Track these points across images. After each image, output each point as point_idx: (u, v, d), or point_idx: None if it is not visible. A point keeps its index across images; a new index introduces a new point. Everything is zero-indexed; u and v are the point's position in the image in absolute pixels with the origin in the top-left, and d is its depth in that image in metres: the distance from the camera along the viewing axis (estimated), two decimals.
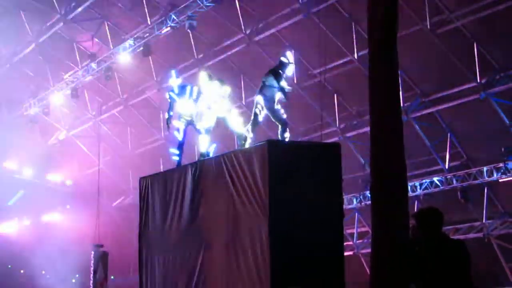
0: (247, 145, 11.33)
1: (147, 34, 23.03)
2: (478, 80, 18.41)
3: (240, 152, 10.49)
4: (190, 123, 12.19)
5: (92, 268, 21.95)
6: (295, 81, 20.99)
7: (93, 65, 25.58)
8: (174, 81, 12.47)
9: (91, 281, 21.95)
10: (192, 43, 23.54)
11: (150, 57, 24.42)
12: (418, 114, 20.18)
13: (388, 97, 7.84)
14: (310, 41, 18.83)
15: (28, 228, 31.29)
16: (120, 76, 26.87)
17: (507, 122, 18.62)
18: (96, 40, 25.85)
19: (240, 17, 21.81)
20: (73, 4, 24.25)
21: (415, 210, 13.75)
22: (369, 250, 9.41)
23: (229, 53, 23.03)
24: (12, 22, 25.65)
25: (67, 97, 27.35)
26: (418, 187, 20.53)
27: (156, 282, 11.92)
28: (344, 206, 12.28)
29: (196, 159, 12.20)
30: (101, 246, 22.51)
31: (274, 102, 11.26)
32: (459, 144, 20.15)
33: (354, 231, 23.23)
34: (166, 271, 11.73)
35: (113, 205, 31.32)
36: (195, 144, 12.99)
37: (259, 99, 11.39)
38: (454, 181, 19.85)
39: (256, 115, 11.49)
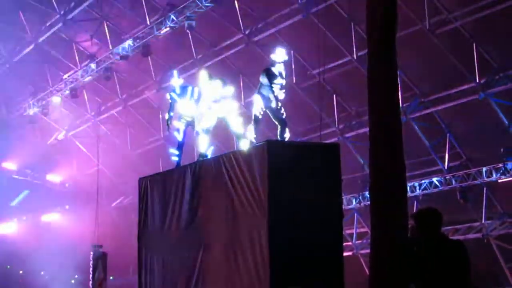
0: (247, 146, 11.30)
1: (146, 34, 23.03)
2: (477, 80, 18.42)
3: (240, 152, 10.47)
4: (190, 124, 12.19)
5: (91, 269, 21.98)
6: (294, 81, 21.06)
7: (92, 65, 25.58)
8: (176, 81, 12.45)
9: (90, 282, 21.98)
10: (191, 43, 23.54)
11: (149, 58, 24.44)
12: (417, 114, 20.19)
13: (387, 98, 7.82)
14: (309, 41, 18.83)
15: (27, 228, 31.25)
16: (119, 77, 26.89)
17: (506, 122, 18.62)
18: (95, 40, 25.85)
19: (239, 17, 21.82)
20: (72, 4, 24.23)
21: (414, 210, 13.78)
22: (368, 251, 9.40)
23: (228, 53, 23.04)
24: (11, 22, 25.64)
25: (67, 97, 27.37)
26: (417, 187, 20.54)
27: (155, 283, 11.90)
28: (343, 207, 12.28)
29: (196, 159, 12.21)
30: (100, 246, 22.55)
31: (271, 101, 11.24)
32: (458, 144, 20.16)
33: (353, 231, 23.22)
34: (165, 271, 11.72)
35: (112, 205, 31.31)
36: (194, 144, 12.98)
37: (257, 99, 11.38)
38: (453, 182, 19.85)
39: (256, 115, 11.47)
